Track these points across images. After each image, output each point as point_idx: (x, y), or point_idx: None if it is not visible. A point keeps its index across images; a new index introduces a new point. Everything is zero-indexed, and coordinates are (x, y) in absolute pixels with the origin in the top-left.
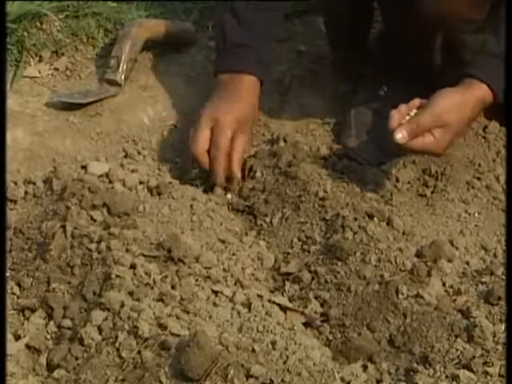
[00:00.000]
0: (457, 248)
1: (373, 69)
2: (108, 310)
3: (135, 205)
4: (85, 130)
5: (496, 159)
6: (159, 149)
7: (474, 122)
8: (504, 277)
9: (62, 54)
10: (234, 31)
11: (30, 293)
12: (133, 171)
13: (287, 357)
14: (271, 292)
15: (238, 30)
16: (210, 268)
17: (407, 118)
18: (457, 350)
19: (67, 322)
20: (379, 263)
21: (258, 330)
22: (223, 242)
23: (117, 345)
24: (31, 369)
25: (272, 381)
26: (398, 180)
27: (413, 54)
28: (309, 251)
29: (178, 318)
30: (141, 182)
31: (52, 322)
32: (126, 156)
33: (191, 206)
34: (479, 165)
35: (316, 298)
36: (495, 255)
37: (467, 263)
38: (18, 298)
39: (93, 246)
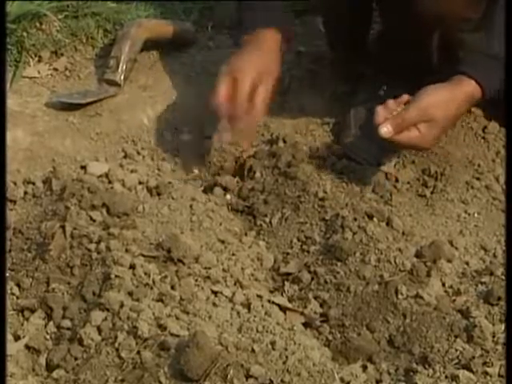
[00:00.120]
0: (456, 248)
1: (372, 69)
2: (107, 310)
3: (135, 205)
4: (84, 130)
5: (496, 159)
6: (159, 149)
7: (461, 117)
8: (503, 277)
9: (62, 55)
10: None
11: (29, 293)
12: (132, 171)
13: (287, 357)
14: (271, 292)
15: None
16: (209, 268)
17: (394, 113)
18: (456, 350)
19: (67, 323)
20: (379, 263)
21: (257, 331)
22: (223, 242)
23: (116, 345)
24: (31, 369)
25: (271, 381)
26: (397, 180)
27: (412, 54)
28: (308, 251)
29: (177, 318)
30: (140, 182)
31: (51, 323)
32: (125, 156)
33: (191, 206)
34: (479, 165)
35: (315, 298)
36: (495, 255)
37: (467, 263)
38: (18, 298)
39: (92, 247)
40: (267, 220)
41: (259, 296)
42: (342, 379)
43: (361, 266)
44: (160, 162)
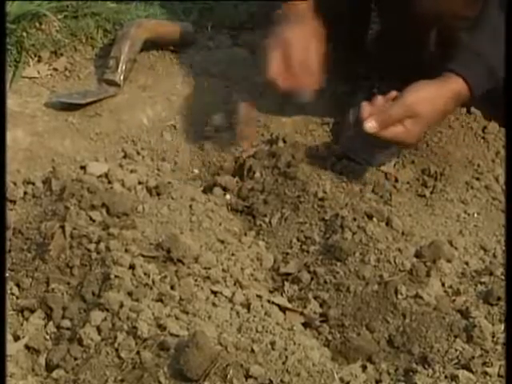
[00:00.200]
0: (456, 248)
1: (371, 69)
2: (107, 310)
3: (134, 205)
4: (84, 130)
5: (495, 159)
6: (158, 149)
7: (449, 114)
8: (503, 277)
9: (61, 55)
10: None
11: (29, 293)
12: (132, 171)
13: (286, 357)
14: (270, 292)
15: None
16: (209, 268)
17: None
18: (456, 350)
19: (66, 323)
20: (378, 263)
21: (257, 331)
22: (222, 242)
23: (116, 345)
24: (30, 369)
25: (271, 381)
26: (397, 180)
27: (410, 54)
28: (308, 251)
29: (177, 318)
30: (140, 183)
31: (51, 323)
32: (125, 156)
33: (190, 206)
34: (478, 165)
35: (315, 298)
36: (494, 255)
37: (466, 263)
38: (18, 298)
39: (92, 247)
40: (267, 220)
41: (259, 296)
42: (341, 379)
43: (360, 266)
44: (160, 162)
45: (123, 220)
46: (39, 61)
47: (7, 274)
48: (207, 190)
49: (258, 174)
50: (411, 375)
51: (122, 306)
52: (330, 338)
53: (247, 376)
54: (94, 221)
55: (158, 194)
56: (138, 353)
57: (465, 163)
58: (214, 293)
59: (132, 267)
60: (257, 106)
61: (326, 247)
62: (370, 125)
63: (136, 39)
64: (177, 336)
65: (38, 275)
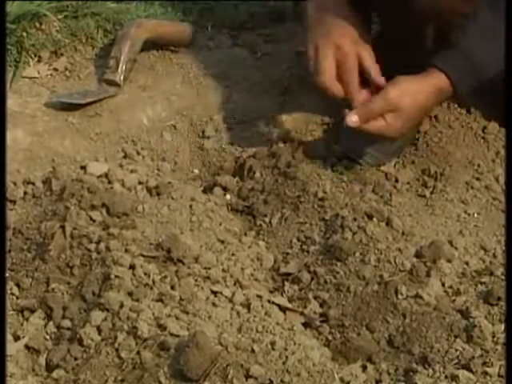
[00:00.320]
0: (456, 248)
1: None
2: (107, 310)
3: (134, 205)
4: (84, 130)
5: (495, 159)
6: (158, 149)
7: (432, 109)
8: (503, 277)
9: (61, 55)
10: None
11: (29, 293)
12: (132, 171)
13: (286, 357)
14: (270, 292)
15: None
16: (209, 268)
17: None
18: (456, 350)
19: (66, 323)
20: (378, 263)
21: (257, 331)
22: (222, 242)
23: (116, 345)
24: (30, 369)
25: (271, 381)
26: (397, 180)
27: (410, 54)
28: (308, 251)
29: (177, 318)
30: (140, 183)
31: (51, 323)
32: (125, 156)
33: (190, 206)
34: (478, 165)
35: (315, 298)
36: (495, 255)
37: (466, 263)
38: (18, 298)
39: (92, 247)
40: (267, 220)
41: (259, 296)
42: (341, 379)
43: (360, 266)
44: (160, 162)
45: (123, 220)
46: (39, 61)
47: (7, 274)
48: (207, 189)
49: (258, 174)
50: (411, 375)
51: (122, 305)
52: (330, 337)
53: (247, 376)
54: (94, 221)
55: (158, 194)
56: (138, 353)
57: (465, 163)
58: (214, 293)
59: (132, 267)
60: (257, 106)
61: (326, 247)
62: (352, 119)
63: (136, 39)
64: (177, 336)
65: (38, 275)
